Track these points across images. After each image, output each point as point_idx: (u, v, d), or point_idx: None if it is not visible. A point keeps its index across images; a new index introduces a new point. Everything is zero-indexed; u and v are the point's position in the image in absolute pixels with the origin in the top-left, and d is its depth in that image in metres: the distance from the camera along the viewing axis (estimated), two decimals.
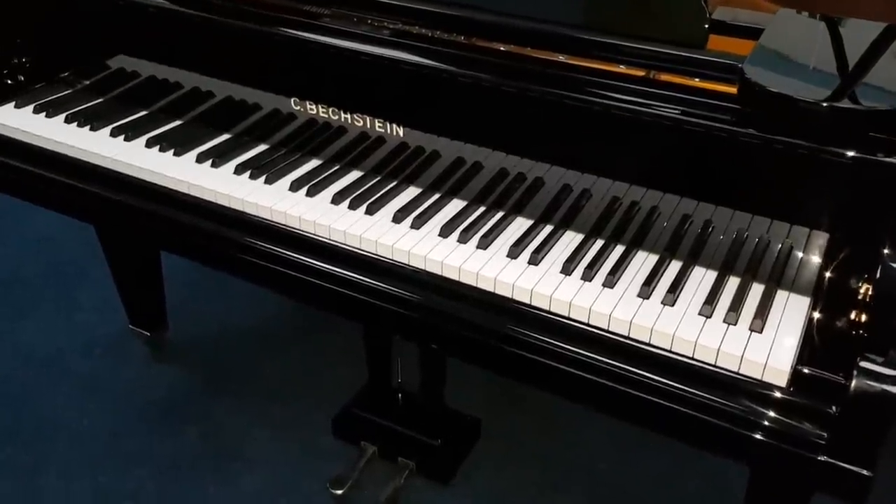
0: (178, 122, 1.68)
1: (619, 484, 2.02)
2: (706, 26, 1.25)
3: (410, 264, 1.32)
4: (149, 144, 1.59)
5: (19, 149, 1.65)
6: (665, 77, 1.27)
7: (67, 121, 1.66)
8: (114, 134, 1.62)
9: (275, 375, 2.31)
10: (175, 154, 1.56)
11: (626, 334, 1.18)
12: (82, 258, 2.70)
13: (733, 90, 1.20)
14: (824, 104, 1.12)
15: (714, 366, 1.13)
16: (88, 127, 1.64)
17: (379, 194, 1.44)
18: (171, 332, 2.44)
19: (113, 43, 1.72)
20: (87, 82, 1.78)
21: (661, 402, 1.15)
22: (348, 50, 1.42)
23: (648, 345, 1.17)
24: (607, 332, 1.19)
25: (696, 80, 1.25)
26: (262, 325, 2.49)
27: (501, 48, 1.37)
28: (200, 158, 1.54)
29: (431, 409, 2.03)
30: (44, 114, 1.68)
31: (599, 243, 1.33)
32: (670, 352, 1.16)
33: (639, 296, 1.22)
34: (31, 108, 1.70)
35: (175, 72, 1.67)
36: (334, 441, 2.07)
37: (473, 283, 1.28)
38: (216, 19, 1.53)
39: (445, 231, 1.35)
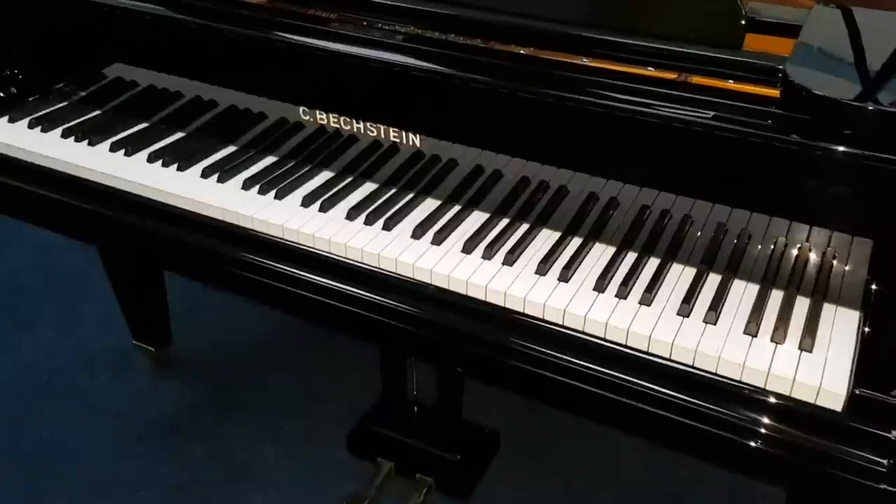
0: (180, 135, 1.60)
1: (645, 490, 1.96)
2: (742, 24, 1.17)
3: (433, 283, 1.25)
4: (151, 159, 1.51)
5: (14, 166, 1.57)
6: (698, 80, 1.19)
7: (64, 135, 1.59)
8: (113, 149, 1.54)
9: (284, 389, 2.25)
10: (179, 169, 1.48)
11: (668, 356, 1.11)
12: (83, 268, 2.62)
13: (774, 93, 1.12)
14: (873, 108, 1.05)
15: (763, 389, 1.06)
16: (86, 142, 1.56)
17: (396, 208, 1.37)
18: (175, 346, 2.37)
19: (109, 51, 1.65)
20: (84, 93, 1.70)
21: (708, 428, 1.08)
22: (359, 56, 1.34)
23: (692, 367, 1.10)
24: (647, 354, 1.12)
25: (731, 82, 1.18)
26: (269, 336, 2.43)
27: (522, 52, 1.30)
28: (206, 173, 1.46)
29: (449, 422, 1.97)
30: (39, 128, 1.61)
31: (632, 256, 1.26)
32: (716, 375, 1.09)
33: (679, 314, 1.15)
34: (25, 122, 1.62)
35: (175, 80, 1.60)
36: (349, 457, 2.00)
37: (501, 303, 1.21)
38: (218, 24, 1.45)
39: (468, 247, 1.28)
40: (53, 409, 2.19)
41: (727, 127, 1.13)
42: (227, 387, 2.25)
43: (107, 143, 1.56)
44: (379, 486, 1.90)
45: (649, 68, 1.23)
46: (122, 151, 1.53)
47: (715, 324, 1.13)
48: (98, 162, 1.51)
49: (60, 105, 1.69)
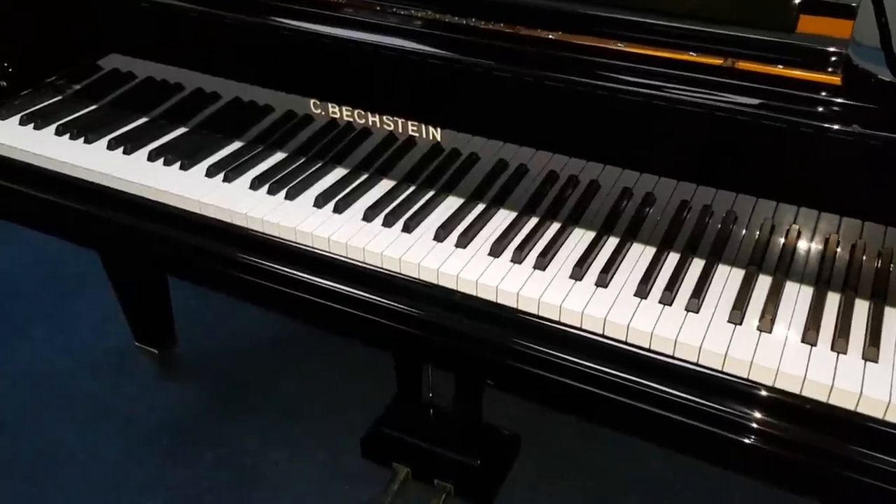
0: (182, 130, 1.50)
1: (669, 495, 1.87)
2: (796, 3, 1.08)
3: (459, 290, 1.16)
4: (151, 157, 1.42)
5: (5, 166, 1.48)
6: (745, 65, 1.10)
7: (58, 133, 1.49)
8: (111, 146, 1.45)
9: (294, 390, 2.16)
10: (182, 168, 1.39)
11: (720, 368, 1.02)
12: (82, 267, 2.53)
13: (833, 79, 1.03)
14: None
15: (826, 404, 0.98)
16: (82, 139, 1.47)
17: (415, 208, 1.28)
18: (179, 348, 2.28)
19: (105, 41, 1.55)
20: (78, 87, 1.61)
21: (765, 446, 0.99)
22: (373, 43, 1.25)
23: (746, 381, 1.01)
24: (696, 365, 1.03)
25: (782, 67, 1.08)
26: (277, 335, 2.33)
27: (550, 36, 1.20)
28: (211, 172, 1.37)
29: (468, 425, 1.88)
30: (31, 125, 1.51)
31: (674, 258, 1.17)
32: (773, 389, 1.00)
33: (730, 321, 1.06)
34: (16, 119, 1.53)
35: (175, 71, 1.50)
36: (363, 462, 1.92)
37: (534, 311, 1.11)
38: (220, 10, 1.35)
39: (496, 249, 1.19)
40: (55, 414, 2.10)
41: (778, 116, 1.04)
42: (235, 389, 2.17)
43: (104, 141, 1.46)
44: (395, 492, 1.82)
45: (691, 53, 1.13)
46: (121, 149, 1.44)
47: (770, 332, 1.05)
48: (95, 161, 1.41)
49: (54, 100, 1.60)
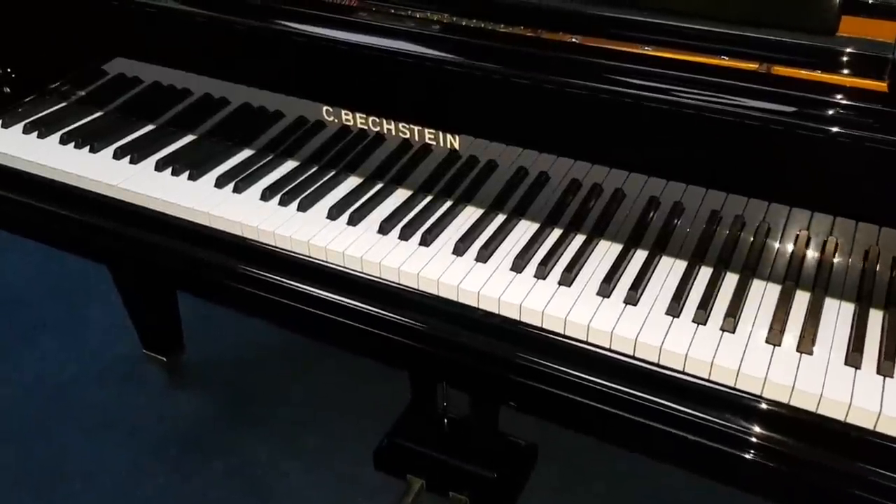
0: (190, 138, 1.45)
1: (693, 498, 1.83)
2: (836, 3, 1.02)
3: (481, 307, 1.11)
4: (159, 167, 1.37)
5: (9, 176, 1.43)
6: (781, 70, 1.04)
7: (63, 141, 1.44)
8: (117, 155, 1.40)
9: (305, 398, 2.12)
10: (190, 178, 1.34)
11: (759, 394, 0.97)
12: (88, 273, 2.49)
13: (879, 86, 0.97)
14: None
15: (873, 431, 0.92)
16: (88, 148, 1.42)
17: (433, 219, 1.23)
18: (188, 355, 2.24)
19: (110, 45, 1.50)
20: (83, 93, 1.56)
21: (814, 480, 0.94)
22: (388, 49, 1.19)
23: (787, 406, 0.96)
24: (734, 389, 0.98)
25: (820, 72, 1.02)
26: (287, 341, 2.29)
27: (574, 40, 1.15)
28: (221, 182, 1.32)
29: (484, 435, 1.84)
30: (35, 133, 1.46)
31: (706, 272, 1.12)
32: (816, 414, 0.94)
33: (768, 342, 1.01)
34: (20, 127, 1.48)
35: (182, 76, 1.45)
36: (376, 473, 1.87)
37: (560, 330, 1.06)
38: (228, 15, 1.30)
39: (519, 264, 1.13)
40: (63, 423, 2.07)
41: (817, 126, 0.99)
42: (244, 396, 2.13)
43: (110, 150, 1.41)
44: None
45: (723, 57, 1.07)
46: (128, 158, 1.39)
47: (811, 354, 0.99)
48: (101, 171, 1.36)
49: (58, 106, 1.55)
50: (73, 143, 1.43)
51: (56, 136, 1.45)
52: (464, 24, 1.20)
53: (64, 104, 1.55)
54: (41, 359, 2.25)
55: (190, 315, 2.23)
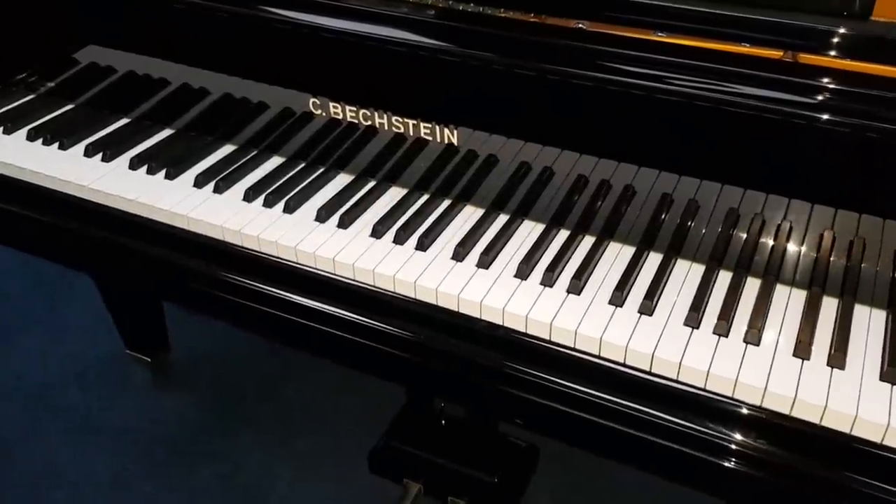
0: (167, 132, 1.36)
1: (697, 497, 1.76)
2: None
3: (483, 318, 1.02)
4: (134, 165, 1.27)
5: None
6: (809, 58, 0.95)
7: (30, 137, 1.35)
8: (89, 153, 1.30)
9: (297, 399, 2.04)
10: (167, 176, 1.25)
11: (788, 412, 0.89)
12: (69, 270, 2.38)
13: None
14: None
15: None
16: (57, 144, 1.32)
17: (430, 221, 1.14)
18: (173, 354, 2.15)
19: (81, 31, 1.40)
20: (52, 84, 1.46)
21: None
22: (379, 36, 1.10)
23: (822, 428, 0.88)
24: (758, 409, 0.90)
25: (851, 60, 0.94)
26: None
27: (580, 26, 1.05)
28: (200, 181, 1.23)
29: (483, 437, 1.76)
30: (1, 129, 1.36)
31: (725, 278, 1.03)
32: (852, 437, 0.87)
33: (796, 355, 0.93)
34: None
35: (159, 64, 1.36)
36: (371, 477, 1.80)
37: (570, 343, 0.98)
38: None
39: (523, 270, 1.05)
40: (44, 428, 1.98)
41: (848, 121, 0.90)
42: (233, 398, 2.05)
43: (81, 146, 1.32)
44: None
45: (744, 44, 0.98)
46: (100, 156, 1.30)
47: (843, 369, 0.91)
48: (71, 170, 1.27)
49: (25, 99, 1.45)
50: (41, 140, 1.34)
51: (23, 132, 1.36)
52: (461, 7, 1.10)
53: (32, 97, 1.46)
54: (21, 359, 2.16)
55: (175, 313, 2.14)
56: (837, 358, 0.91)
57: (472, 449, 1.74)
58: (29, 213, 1.29)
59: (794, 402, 0.87)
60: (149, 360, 2.12)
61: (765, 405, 0.89)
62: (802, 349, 0.92)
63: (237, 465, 1.89)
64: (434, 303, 1.04)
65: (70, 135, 1.33)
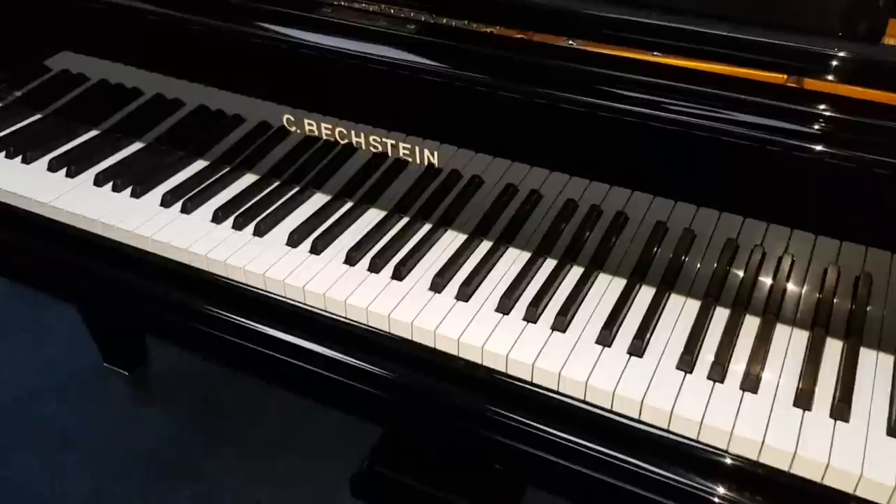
0: (137, 146, 1.29)
1: None
2: (881, 5, 0.86)
3: (462, 356, 0.95)
4: (99, 181, 1.21)
5: None
6: (815, 84, 0.88)
7: None
8: (53, 167, 1.24)
9: (279, 417, 1.97)
10: (133, 194, 1.18)
11: (787, 469, 0.82)
12: None
13: None
14: None
15: None
16: (20, 158, 1.26)
17: (408, 247, 1.07)
18: (153, 367, 2.08)
19: (55, 37, 1.33)
20: (19, 93, 1.39)
21: None
22: (357, 54, 1.03)
23: (819, 485, 0.81)
24: (752, 462, 0.83)
25: (861, 87, 0.87)
26: None
27: (570, 43, 0.99)
28: (167, 200, 1.16)
29: (469, 464, 1.69)
30: None
31: (722, 315, 0.96)
32: (856, 497, 0.80)
33: (796, 405, 0.86)
34: None
35: (133, 73, 1.30)
36: (353, 501, 1.73)
37: (553, 387, 0.91)
38: (187, 14, 1.14)
39: (505, 304, 0.98)
40: (17, 444, 1.91)
41: (854, 155, 0.83)
42: (213, 415, 1.98)
43: (45, 160, 1.25)
44: None
45: (745, 67, 0.91)
46: (64, 171, 1.23)
47: (847, 421, 0.84)
48: (33, 186, 1.20)
49: None
50: (3, 153, 1.27)
51: None
52: (444, 22, 1.04)
53: None
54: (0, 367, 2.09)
55: None
56: (841, 409, 0.84)
57: (458, 476, 1.67)
58: None
59: (793, 458, 0.81)
60: (127, 373, 2.05)
61: (762, 460, 0.82)
62: (804, 398, 0.85)
63: (216, 484, 1.82)
64: (409, 338, 0.97)
65: (35, 147, 1.27)
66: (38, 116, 1.36)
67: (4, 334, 2.20)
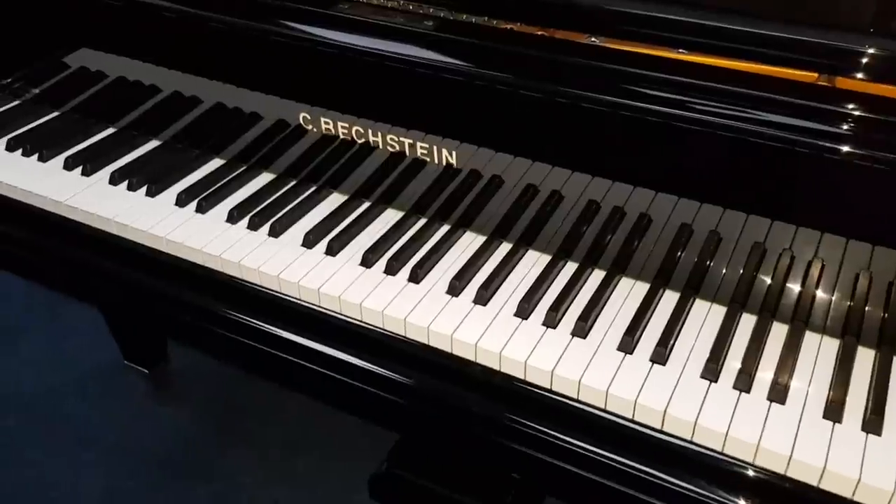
0: (154, 144, 1.28)
1: None
2: None
3: (479, 361, 0.93)
4: (114, 180, 1.20)
5: None
6: (847, 83, 0.85)
7: (10, 148, 1.27)
8: (69, 165, 1.23)
9: (297, 416, 1.96)
10: (149, 193, 1.17)
11: (816, 483, 0.79)
12: None
13: None
14: None
15: None
16: (37, 156, 1.25)
17: (425, 249, 1.05)
18: (172, 366, 2.08)
19: (73, 33, 1.32)
20: (38, 91, 1.39)
21: None
22: (375, 51, 1.01)
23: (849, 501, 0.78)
24: (779, 475, 0.80)
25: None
26: None
27: (594, 41, 0.96)
28: (182, 199, 1.15)
29: (489, 467, 1.67)
30: None
31: (749, 322, 0.93)
32: None
33: (826, 417, 0.82)
34: None
35: (151, 70, 1.29)
36: (370, 502, 1.71)
37: (573, 395, 0.89)
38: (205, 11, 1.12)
39: (524, 308, 0.96)
40: (37, 441, 1.92)
41: (889, 157, 0.80)
42: (232, 413, 1.98)
43: (61, 158, 1.24)
44: None
45: (773, 65, 0.88)
46: (80, 169, 1.22)
47: (879, 434, 0.81)
48: (48, 185, 1.19)
49: (9, 106, 1.38)
50: (21, 150, 1.26)
51: (2, 142, 1.28)
52: (463, 18, 1.01)
53: (16, 103, 1.38)
54: (16, 368, 2.10)
55: None
56: (874, 422, 0.80)
57: (477, 480, 1.65)
58: (2, 229, 1.22)
59: (822, 473, 0.77)
60: (146, 371, 2.05)
61: (789, 474, 0.79)
62: (834, 410, 0.82)
63: (233, 483, 1.82)
64: (426, 342, 0.95)
65: (51, 146, 1.26)
66: (55, 114, 1.36)
67: (25, 330, 2.21)
